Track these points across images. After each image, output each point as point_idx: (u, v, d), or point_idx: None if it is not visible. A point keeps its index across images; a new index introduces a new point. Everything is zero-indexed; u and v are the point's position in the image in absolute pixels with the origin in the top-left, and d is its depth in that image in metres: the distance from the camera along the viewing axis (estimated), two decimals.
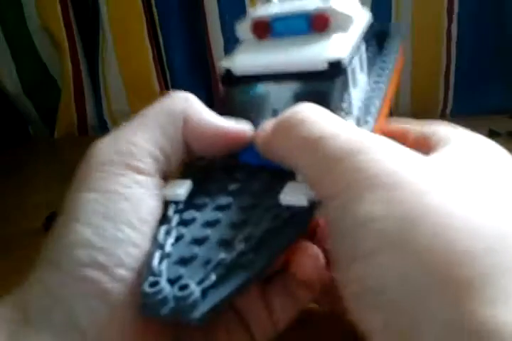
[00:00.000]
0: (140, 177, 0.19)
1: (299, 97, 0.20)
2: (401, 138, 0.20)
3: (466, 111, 0.60)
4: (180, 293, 0.15)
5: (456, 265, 0.13)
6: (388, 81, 0.25)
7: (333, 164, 0.16)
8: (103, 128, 0.68)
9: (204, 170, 0.21)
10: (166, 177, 0.20)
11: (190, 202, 0.20)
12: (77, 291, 0.17)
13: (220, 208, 0.19)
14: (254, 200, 0.19)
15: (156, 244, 0.18)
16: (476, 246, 0.13)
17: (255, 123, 0.21)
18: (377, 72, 0.25)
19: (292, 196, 0.18)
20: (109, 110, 0.67)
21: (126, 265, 0.17)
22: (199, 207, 0.19)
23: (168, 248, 0.17)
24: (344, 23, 0.22)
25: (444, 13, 0.57)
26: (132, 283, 0.17)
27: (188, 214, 0.19)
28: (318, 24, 0.22)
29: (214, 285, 0.16)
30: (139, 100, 0.65)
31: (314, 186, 0.17)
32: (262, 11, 0.23)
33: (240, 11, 0.58)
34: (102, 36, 0.63)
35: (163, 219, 0.19)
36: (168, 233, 0.18)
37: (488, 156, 0.17)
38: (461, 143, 0.18)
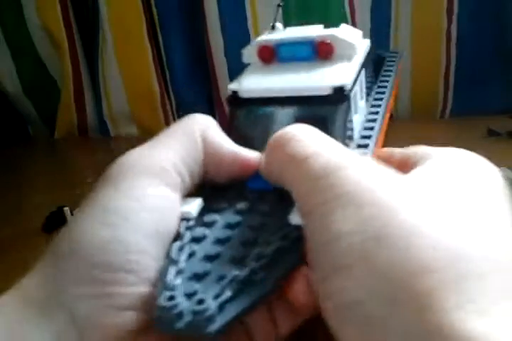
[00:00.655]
0: (166, 191, 0.19)
1: (303, 121, 0.21)
2: (387, 161, 0.20)
3: (466, 112, 0.60)
4: (197, 307, 0.15)
5: (417, 278, 0.13)
6: (386, 106, 0.26)
7: (313, 181, 0.17)
8: (103, 129, 0.68)
9: (214, 188, 0.22)
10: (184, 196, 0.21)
11: (201, 219, 0.20)
12: (82, 291, 0.17)
13: (229, 226, 0.20)
14: (263, 220, 0.19)
15: (170, 260, 0.18)
16: (436, 261, 0.13)
17: (258, 144, 0.21)
18: (376, 98, 0.26)
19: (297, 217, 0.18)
20: (109, 110, 0.67)
21: (138, 271, 0.17)
22: (209, 225, 0.20)
23: (181, 264, 0.18)
24: (348, 51, 0.23)
25: (444, 14, 0.57)
26: (140, 290, 0.17)
27: (199, 231, 0.19)
28: (322, 51, 0.23)
29: (229, 300, 0.16)
30: (139, 100, 0.65)
31: (298, 202, 0.18)
32: (268, 37, 0.24)
33: (240, 12, 0.58)
34: (102, 36, 0.63)
35: (176, 236, 0.19)
36: (181, 249, 0.18)
37: (468, 171, 0.17)
38: (440, 159, 0.18)
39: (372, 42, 0.26)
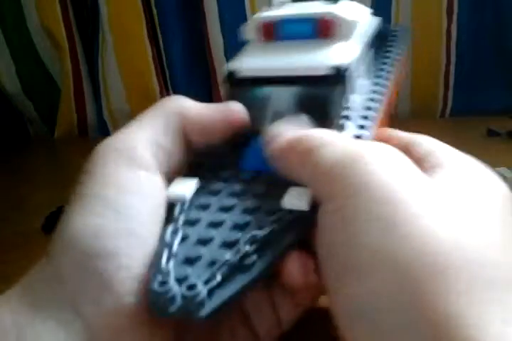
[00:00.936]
0: (144, 173, 0.19)
1: (301, 101, 0.21)
2: (386, 142, 0.20)
3: (466, 111, 0.60)
4: (188, 293, 0.16)
5: (432, 283, 0.13)
6: (390, 86, 0.25)
7: (331, 170, 0.16)
8: (103, 128, 0.68)
9: (209, 170, 0.21)
10: (170, 178, 0.21)
11: (195, 201, 0.20)
12: (82, 281, 0.17)
13: (224, 209, 0.19)
14: (258, 203, 0.19)
15: (163, 244, 0.18)
16: (460, 269, 0.13)
17: (256, 124, 0.21)
18: (380, 77, 0.26)
19: (294, 200, 0.18)
20: (109, 110, 0.67)
21: (132, 255, 0.17)
22: (204, 208, 0.20)
23: (175, 248, 0.18)
24: (349, 29, 0.22)
25: (444, 14, 0.57)
26: (137, 274, 0.17)
27: (194, 214, 0.19)
28: (323, 30, 0.22)
29: (220, 285, 0.16)
30: (139, 100, 0.65)
31: (315, 194, 0.17)
32: (268, 13, 0.24)
33: (240, 11, 0.58)
34: (102, 36, 0.63)
35: (169, 218, 0.19)
36: (174, 232, 0.19)
37: (482, 184, 0.17)
38: (455, 169, 0.18)
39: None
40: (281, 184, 0.19)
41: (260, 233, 0.18)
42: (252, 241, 0.17)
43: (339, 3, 0.23)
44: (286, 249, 0.18)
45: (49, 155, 0.64)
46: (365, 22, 0.24)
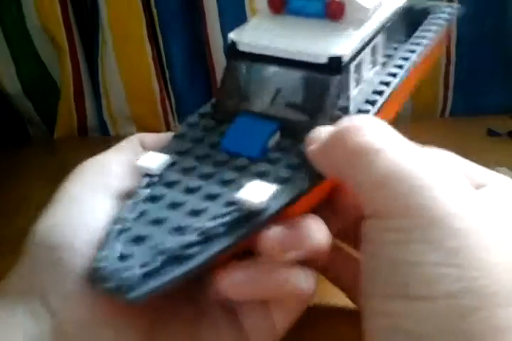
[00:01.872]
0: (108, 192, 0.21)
1: (298, 85, 0.21)
2: None
3: (466, 111, 0.60)
4: (123, 274, 0.16)
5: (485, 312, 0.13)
6: (406, 77, 0.24)
7: (387, 181, 0.16)
8: (103, 128, 0.68)
9: (190, 142, 0.21)
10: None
11: (165, 177, 0.20)
12: (48, 272, 0.18)
13: (188, 190, 0.19)
14: (221, 190, 0.19)
15: (117, 218, 0.18)
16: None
17: (248, 101, 0.21)
18: (398, 67, 0.24)
19: (252, 194, 0.18)
20: (109, 110, 0.67)
21: (89, 241, 0.18)
22: (170, 185, 0.19)
23: (127, 223, 0.18)
24: (360, 14, 0.21)
25: None
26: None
27: (158, 191, 0.19)
28: (332, 11, 0.21)
29: (156, 271, 0.16)
30: (139, 100, 0.65)
31: (363, 202, 0.17)
32: None
33: (240, 11, 0.58)
34: (102, 37, 0.63)
35: (133, 190, 0.19)
36: (133, 207, 0.18)
37: None
38: (498, 188, 0.19)
39: None
40: (253, 173, 0.19)
41: (210, 224, 0.17)
42: (199, 231, 0.17)
43: None
44: (232, 245, 0.17)
45: (49, 155, 0.63)
46: (382, 5, 0.23)
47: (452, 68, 0.59)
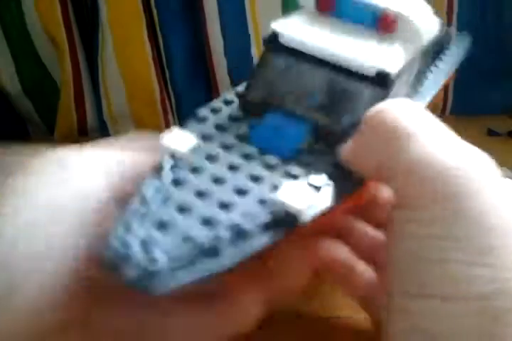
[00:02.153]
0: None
1: (333, 90, 0.20)
2: None
3: (466, 111, 0.60)
4: (149, 265, 0.15)
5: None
6: (429, 97, 0.24)
7: (414, 169, 0.15)
8: (103, 129, 0.68)
9: (210, 131, 0.20)
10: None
11: (188, 160, 0.19)
12: (16, 256, 0.18)
13: (215, 180, 0.18)
14: (249, 185, 0.18)
15: (142, 198, 0.17)
16: None
17: (279, 98, 0.20)
18: (419, 87, 0.25)
19: (291, 197, 0.17)
20: (109, 110, 0.67)
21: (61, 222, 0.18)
22: (195, 171, 0.18)
23: (153, 206, 0.17)
24: (410, 33, 0.21)
25: (444, 14, 0.57)
26: (67, 244, 0.18)
27: (183, 175, 0.18)
28: (383, 26, 0.21)
29: (183, 267, 0.15)
30: (139, 100, 0.65)
31: (390, 185, 0.16)
32: None
33: (240, 12, 0.58)
34: (102, 36, 0.63)
35: (157, 171, 0.18)
36: (158, 191, 0.17)
37: None
38: None
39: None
40: (284, 173, 0.18)
41: (243, 221, 0.17)
42: (231, 226, 0.16)
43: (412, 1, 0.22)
44: (264, 246, 0.17)
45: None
46: (427, 27, 0.23)
47: None
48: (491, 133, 0.50)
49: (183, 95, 0.65)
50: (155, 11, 0.61)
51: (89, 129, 0.69)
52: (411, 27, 0.21)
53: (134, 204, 0.17)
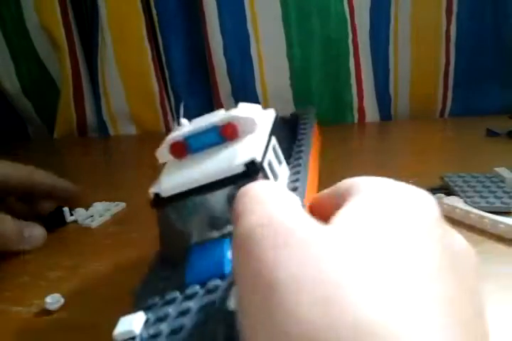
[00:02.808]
0: None
1: (230, 201, 0.21)
2: (321, 207, 0.19)
3: (465, 111, 0.60)
4: None
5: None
6: (307, 166, 0.26)
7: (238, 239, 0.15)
8: (102, 129, 0.68)
9: (156, 294, 0.21)
10: None
11: (143, 334, 0.19)
12: None
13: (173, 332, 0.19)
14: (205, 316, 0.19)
15: None
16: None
17: (195, 233, 0.22)
18: (296, 157, 0.27)
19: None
20: (108, 110, 0.67)
21: None
22: (153, 338, 0.19)
23: None
24: (250, 126, 0.23)
25: (443, 14, 0.57)
26: None
27: None
28: (227, 133, 0.23)
29: None
30: (138, 100, 0.65)
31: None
32: (176, 133, 0.25)
33: (240, 12, 0.58)
34: (101, 36, 0.63)
35: None
36: None
37: (397, 210, 0.15)
38: (366, 196, 0.16)
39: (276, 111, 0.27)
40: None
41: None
42: None
43: (237, 108, 0.25)
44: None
45: (48, 155, 0.63)
46: (261, 116, 0.25)
47: (451, 68, 0.60)
48: (491, 133, 0.50)
49: (182, 95, 0.65)
50: (155, 11, 0.62)
51: (89, 129, 0.69)
52: (247, 121, 0.23)
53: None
